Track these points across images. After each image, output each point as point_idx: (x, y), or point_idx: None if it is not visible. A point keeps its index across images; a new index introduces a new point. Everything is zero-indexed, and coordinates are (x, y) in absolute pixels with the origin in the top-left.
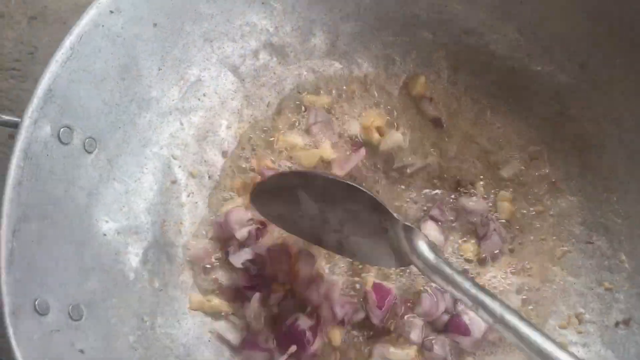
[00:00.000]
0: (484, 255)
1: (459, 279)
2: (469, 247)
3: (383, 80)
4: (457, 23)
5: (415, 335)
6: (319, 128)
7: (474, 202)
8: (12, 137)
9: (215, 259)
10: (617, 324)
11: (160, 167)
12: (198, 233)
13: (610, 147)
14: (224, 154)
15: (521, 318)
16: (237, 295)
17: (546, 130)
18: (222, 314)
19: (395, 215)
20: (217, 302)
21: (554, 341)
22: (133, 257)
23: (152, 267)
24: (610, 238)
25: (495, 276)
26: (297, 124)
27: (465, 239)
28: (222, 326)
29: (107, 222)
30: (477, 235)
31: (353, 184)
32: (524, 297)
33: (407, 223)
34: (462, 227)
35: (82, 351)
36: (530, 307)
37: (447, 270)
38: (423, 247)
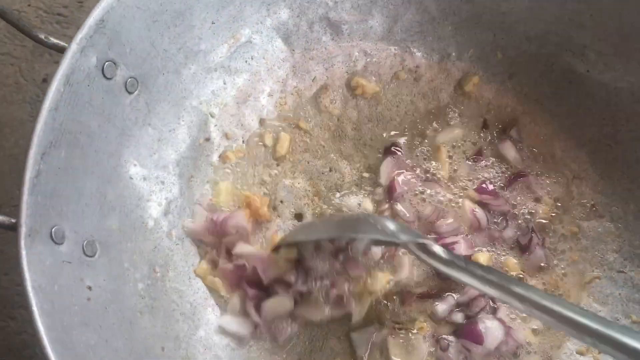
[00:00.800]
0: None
1: (478, 270)
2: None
3: (435, 74)
4: (521, 28)
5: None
6: None
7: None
8: (46, 81)
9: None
10: None
11: (196, 122)
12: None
13: None
14: (262, 121)
15: (544, 294)
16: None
17: (594, 151)
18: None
19: (404, 238)
20: (218, 282)
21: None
22: (155, 205)
23: (172, 219)
24: None
25: None
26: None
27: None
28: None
29: (135, 165)
30: (520, 247)
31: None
32: None
33: (419, 240)
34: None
35: (89, 288)
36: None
37: (461, 263)
38: (441, 252)
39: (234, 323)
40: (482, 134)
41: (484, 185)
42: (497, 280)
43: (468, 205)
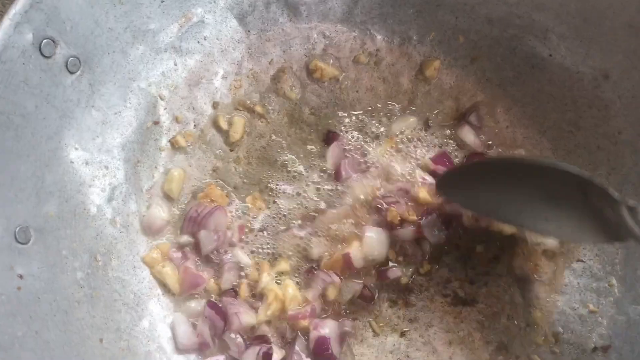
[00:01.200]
0: None
1: None
2: None
3: (396, 58)
4: (483, 10)
5: None
6: None
7: None
8: None
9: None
10: (594, 349)
11: (144, 105)
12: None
13: (622, 167)
14: (215, 104)
15: None
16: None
17: (556, 137)
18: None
19: (615, 195)
20: (167, 274)
21: None
22: (98, 191)
23: (117, 205)
24: (603, 259)
25: None
26: (293, 89)
27: None
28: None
29: (76, 149)
30: None
31: (558, 166)
32: None
33: (630, 203)
34: None
35: (21, 276)
36: None
37: None
38: None
39: (184, 330)
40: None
41: (440, 156)
42: None
43: (419, 173)
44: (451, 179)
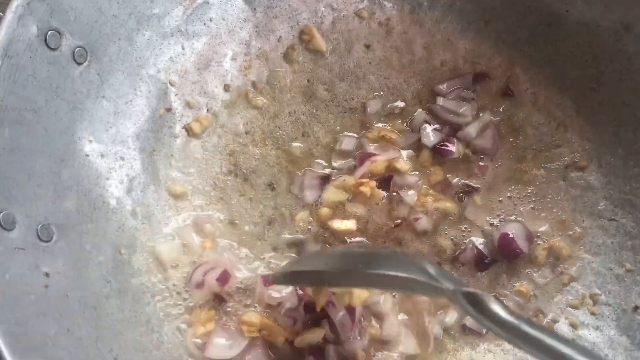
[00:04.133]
0: None
1: (548, 340)
2: None
3: (407, 26)
4: None
5: None
6: None
7: None
8: None
9: None
10: (635, 309)
11: (155, 92)
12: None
13: None
14: (226, 87)
15: None
16: None
17: (578, 96)
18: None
19: (448, 285)
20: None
21: None
22: (117, 183)
23: (136, 196)
24: (636, 216)
25: None
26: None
27: None
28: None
29: (90, 142)
30: None
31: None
32: None
33: (465, 289)
34: None
35: (47, 274)
36: None
37: (532, 332)
38: (499, 310)
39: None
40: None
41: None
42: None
43: None
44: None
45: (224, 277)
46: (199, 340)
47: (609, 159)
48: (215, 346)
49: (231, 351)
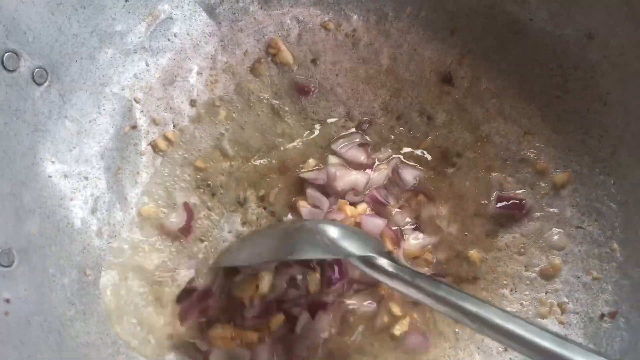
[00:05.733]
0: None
1: (424, 284)
2: None
3: (373, 37)
4: None
5: None
6: None
7: None
8: None
9: None
10: (602, 317)
11: (119, 110)
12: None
13: (614, 128)
14: (193, 102)
15: (498, 311)
16: None
17: (544, 104)
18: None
19: (349, 253)
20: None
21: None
22: (81, 203)
23: (101, 216)
24: (602, 224)
25: None
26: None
27: None
28: None
29: (53, 163)
30: None
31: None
32: None
33: (361, 254)
34: None
35: (7, 300)
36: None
37: (406, 277)
38: (382, 262)
39: None
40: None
41: None
42: (447, 297)
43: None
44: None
45: None
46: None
47: (575, 166)
48: None
49: None
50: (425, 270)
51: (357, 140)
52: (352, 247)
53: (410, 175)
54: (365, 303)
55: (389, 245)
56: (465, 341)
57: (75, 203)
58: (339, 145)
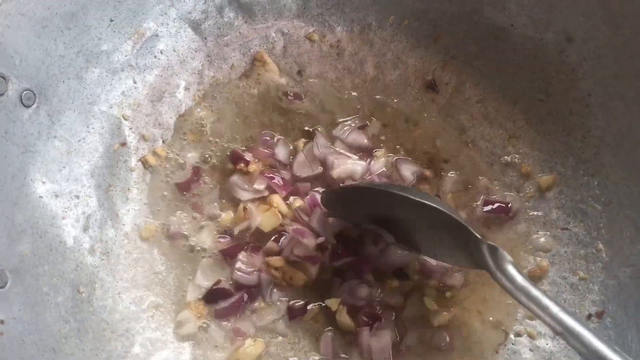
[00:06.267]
0: None
1: (546, 301)
2: None
3: (358, 47)
4: None
5: None
6: None
7: None
8: None
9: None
10: (589, 317)
11: (108, 128)
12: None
13: (596, 129)
14: (181, 117)
15: (611, 348)
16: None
17: (528, 108)
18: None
19: (477, 235)
20: None
21: None
22: (73, 222)
23: (94, 234)
24: (587, 225)
25: None
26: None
27: None
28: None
29: (44, 183)
30: None
31: (432, 205)
32: None
33: (490, 243)
34: None
35: (2, 322)
36: None
37: (534, 292)
38: (512, 270)
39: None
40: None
41: None
42: (569, 324)
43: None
44: (334, 197)
45: None
46: None
47: (560, 168)
48: None
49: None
50: None
51: (357, 123)
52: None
53: (408, 171)
54: None
55: None
56: None
57: (67, 222)
58: (338, 130)
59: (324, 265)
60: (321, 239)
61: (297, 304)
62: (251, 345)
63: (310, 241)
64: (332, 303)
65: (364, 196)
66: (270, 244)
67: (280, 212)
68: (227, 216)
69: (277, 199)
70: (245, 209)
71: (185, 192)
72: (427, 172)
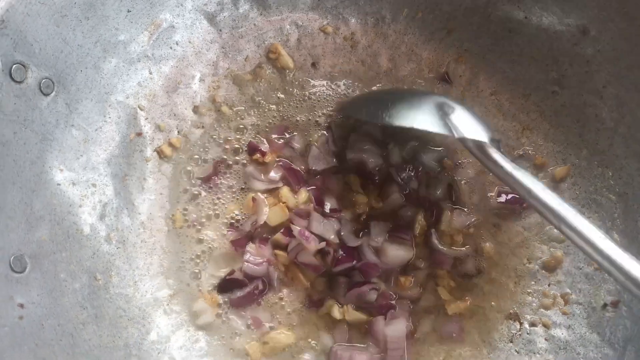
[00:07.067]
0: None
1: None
2: None
3: (371, 39)
4: None
5: None
6: None
7: None
8: None
9: None
10: (604, 306)
11: (124, 118)
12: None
13: (610, 121)
14: (196, 108)
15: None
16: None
17: (541, 99)
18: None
19: (460, 134)
20: None
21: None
22: (89, 210)
23: (110, 222)
24: (602, 215)
25: None
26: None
27: None
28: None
29: (61, 170)
30: None
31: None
32: None
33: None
34: None
35: (21, 305)
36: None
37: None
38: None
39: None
40: None
41: None
42: (539, 195)
43: None
44: (347, 105)
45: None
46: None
47: (573, 160)
48: None
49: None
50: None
51: None
52: (469, 129)
53: (430, 159)
54: None
55: None
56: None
57: (83, 210)
58: None
59: (327, 270)
60: (322, 244)
61: (314, 297)
62: (284, 333)
63: (312, 246)
64: (335, 313)
65: (370, 97)
66: (279, 236)
67: (288, 206)
68: (236, 207)
69: (285, 192)
70: (253, 199)
71: (204, 184)
72: (449, 162)
